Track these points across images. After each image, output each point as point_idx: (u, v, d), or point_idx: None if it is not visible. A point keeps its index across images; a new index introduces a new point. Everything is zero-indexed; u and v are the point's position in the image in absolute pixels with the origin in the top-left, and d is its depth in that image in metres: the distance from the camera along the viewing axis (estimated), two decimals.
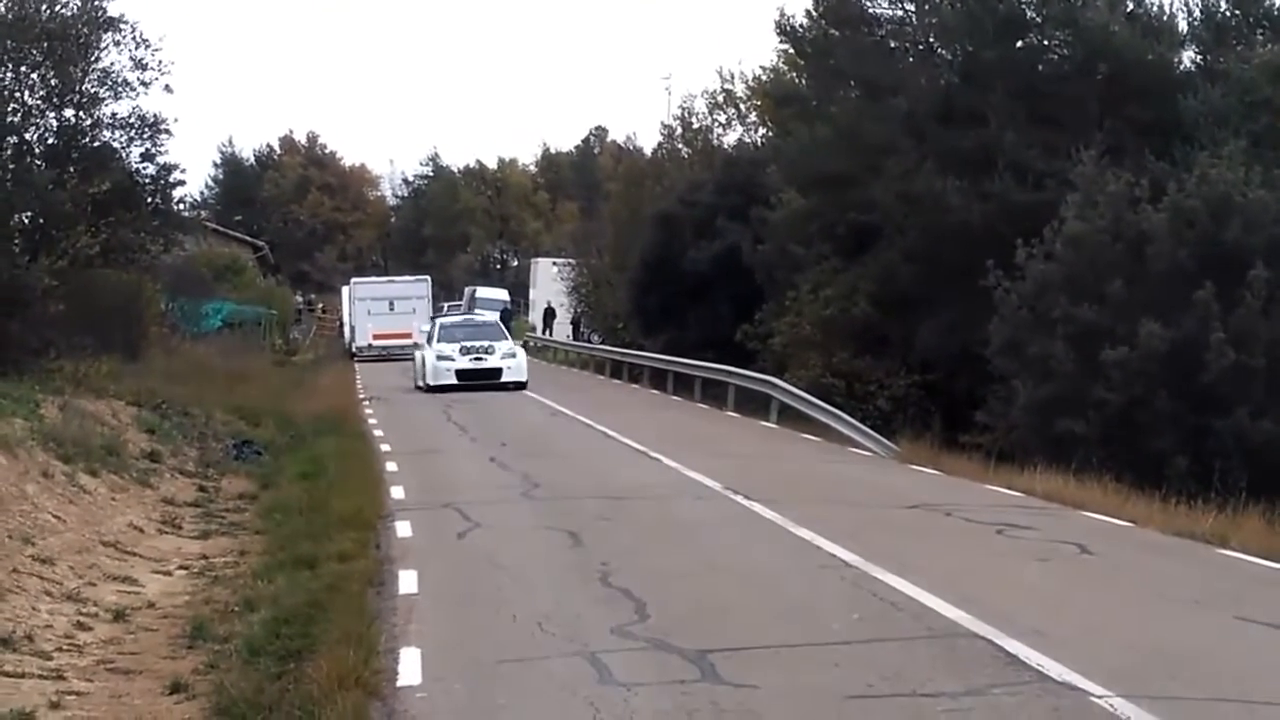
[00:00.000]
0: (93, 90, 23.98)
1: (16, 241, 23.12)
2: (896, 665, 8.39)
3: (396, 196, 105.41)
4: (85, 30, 23.58)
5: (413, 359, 36.19)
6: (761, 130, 46.11)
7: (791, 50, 36.01)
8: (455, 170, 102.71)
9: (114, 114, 24.31)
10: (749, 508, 14.78)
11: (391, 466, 18.70)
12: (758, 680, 8.07)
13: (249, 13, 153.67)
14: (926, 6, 29.40)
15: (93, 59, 23.78)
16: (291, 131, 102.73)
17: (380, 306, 49.80)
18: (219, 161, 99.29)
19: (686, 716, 7.44)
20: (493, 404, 28.42)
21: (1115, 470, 18.12)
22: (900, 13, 29.99)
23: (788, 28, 32.44)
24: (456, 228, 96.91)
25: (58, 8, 23.61)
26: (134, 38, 23.78)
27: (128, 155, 24.69)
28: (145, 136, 24.47)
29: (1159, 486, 17.37)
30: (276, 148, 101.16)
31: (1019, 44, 28.10)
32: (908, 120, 27.79)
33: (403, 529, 13.66)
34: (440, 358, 32.41)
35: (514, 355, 33.16)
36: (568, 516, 14.13)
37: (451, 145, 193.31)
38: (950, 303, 25.78)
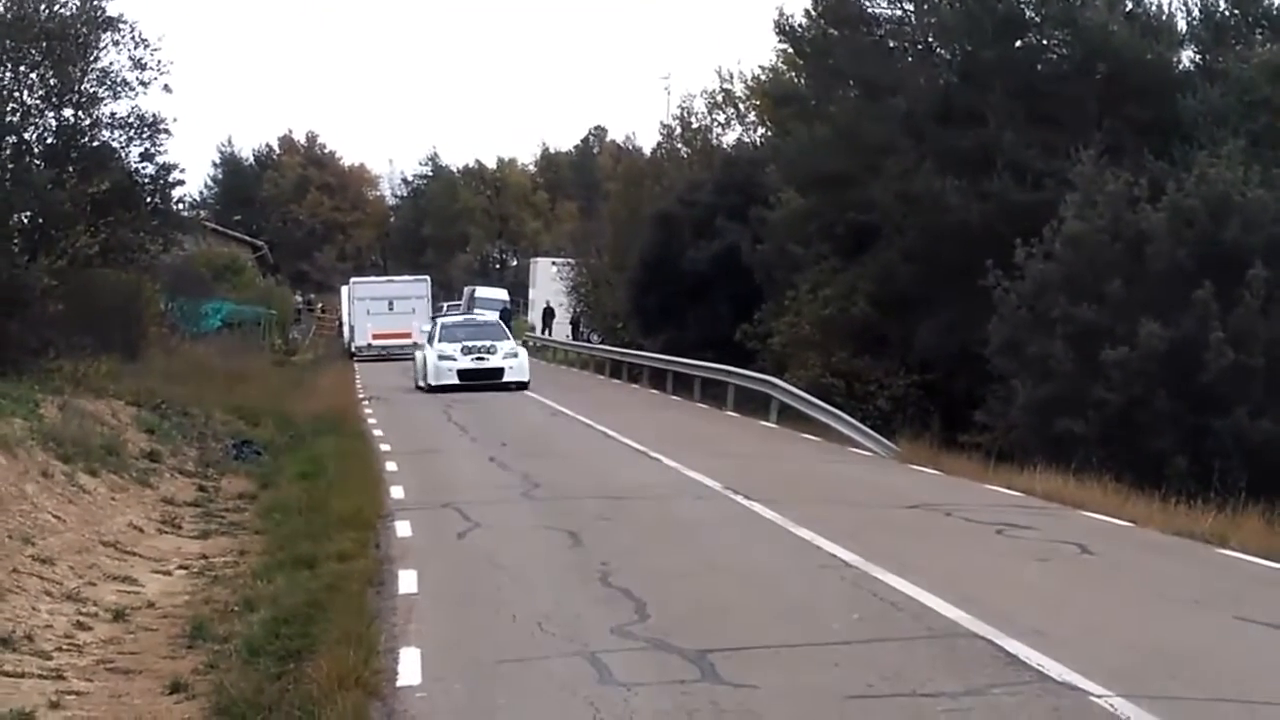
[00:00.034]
0: (92, 90, 23.99)
1: (16, 241, 23.12)
2: (896, 665, 8.39)
3: (396, 196, 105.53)
4: (84, 30, 23.58)
5: (413, 359, 36.14)
6: (760, 130, 46.15)
7: (790, 50, 36.04)
8: (454, 170, 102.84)
9: (113, 114, 24.35)
10: (749, 507, 14.78)
11: (391, 466, 18.70)
12: (758, 680, 8.07)
13: (248, 13, 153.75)
14: (925, 6, 29.41)
15: (92, 59, 23.79)
16: (291, 131, 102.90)
17: (379, 306, 49.80)
18: (218, 161, 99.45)
19: (686, 716, 7.44)
20: (492, 404, 28.41)
21: (1115, 470, 18.13)
22: (899, 12, 30.03)
23: (787, 27, 32.49)
24: (456, 227, 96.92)
25: (57, 7, 23.61)
26: (133, 37, 23.81)
27: (127, 155, 24.71)
28: (144, 136, 24.48)
29: (1159, 486, 17.39)
30: (276, 147, 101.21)
31: (1018, 43, 28.12)
32: (907, 120, 27.80)
33: (402, 529, 13.66)
34: (442, 357, 32.27)
35: (516, 355, 32.99)
36: (568, 516, 14.13)
37: (451, 145, 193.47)
38: (949, 302, 25.78)
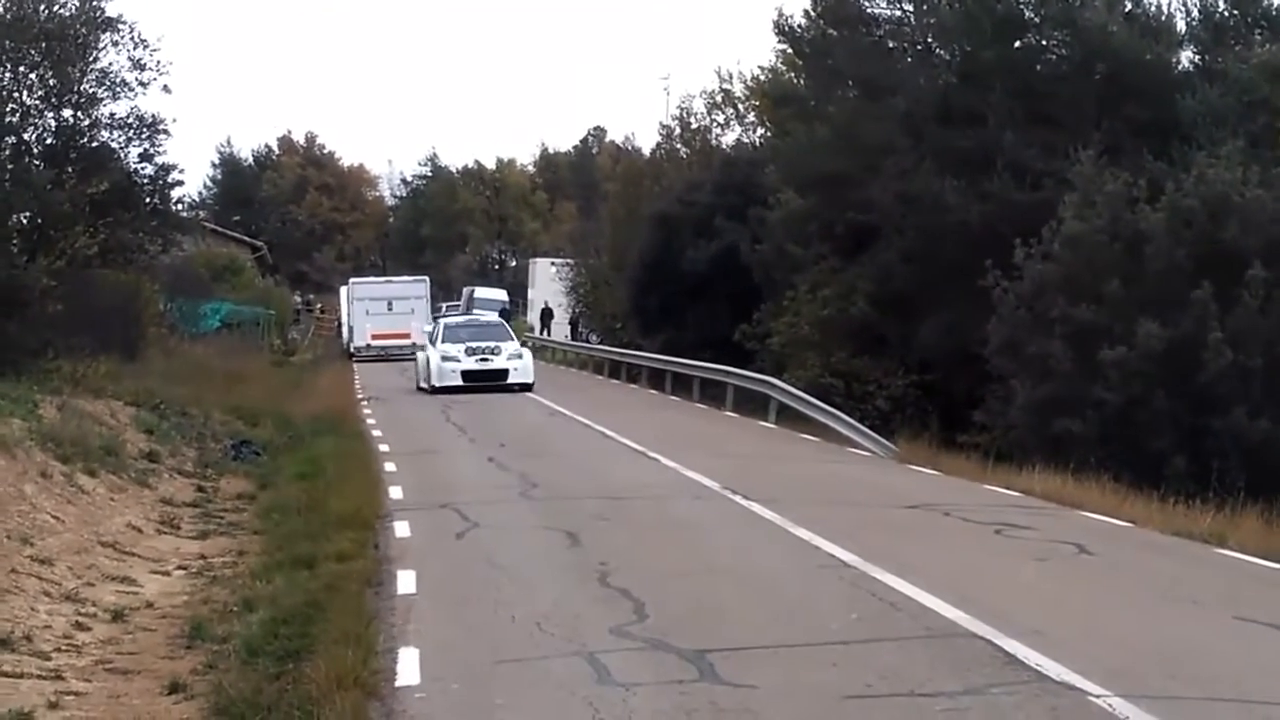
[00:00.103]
0: (91, 90, 23.98)
1: (15, 242, 23.12)
2: (895, 665, 8.40)
3: (395, 197, 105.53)
4: (83, 30, 23.57)
5: (414, 359, 36.04)
6: (760, 130, 46.15)
7: (790, 50, 36.06)
8: (454, 170, 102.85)
9: (112, 114, 24.33)
10: (748, 508, 14.79)
11: (390, 467, 18.70)
12: (756, 680, 8.07)
13: (247, 13, 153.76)
14: (925, 6, 29.44)
15: (91, 59, 23.77)
16: (290, 132, 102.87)
17: (379, 307, 49.77)
18: (217, 162, 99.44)
19: (685, 716, 7.45)
20: (491, 404, 28.40)
21: (1113, 470, 18.14)
22: (898, 13, 30.06)
23: (786, 28, 32.53)
24: (455, 228, 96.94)
25: (56, 8, 23.60)
26: (132, 38, 23.80)
27: (126, 155, 24.70)
28: (143, 137, 24.47)
29: (1157, 486, 17.40)
30: (275, 148, 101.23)
31: (1017, 44, 28.14)
32: (906, 120, 27.82)
33: (401, 529, 13.66)
34: (445, 358, 31.91)
35: (520, 356, 32.62)
36: (566, 516, 14.13)
37: (450, 145, 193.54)
38: (949, 302, 25.78)
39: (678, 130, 49.94)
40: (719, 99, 48.82)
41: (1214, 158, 21.58)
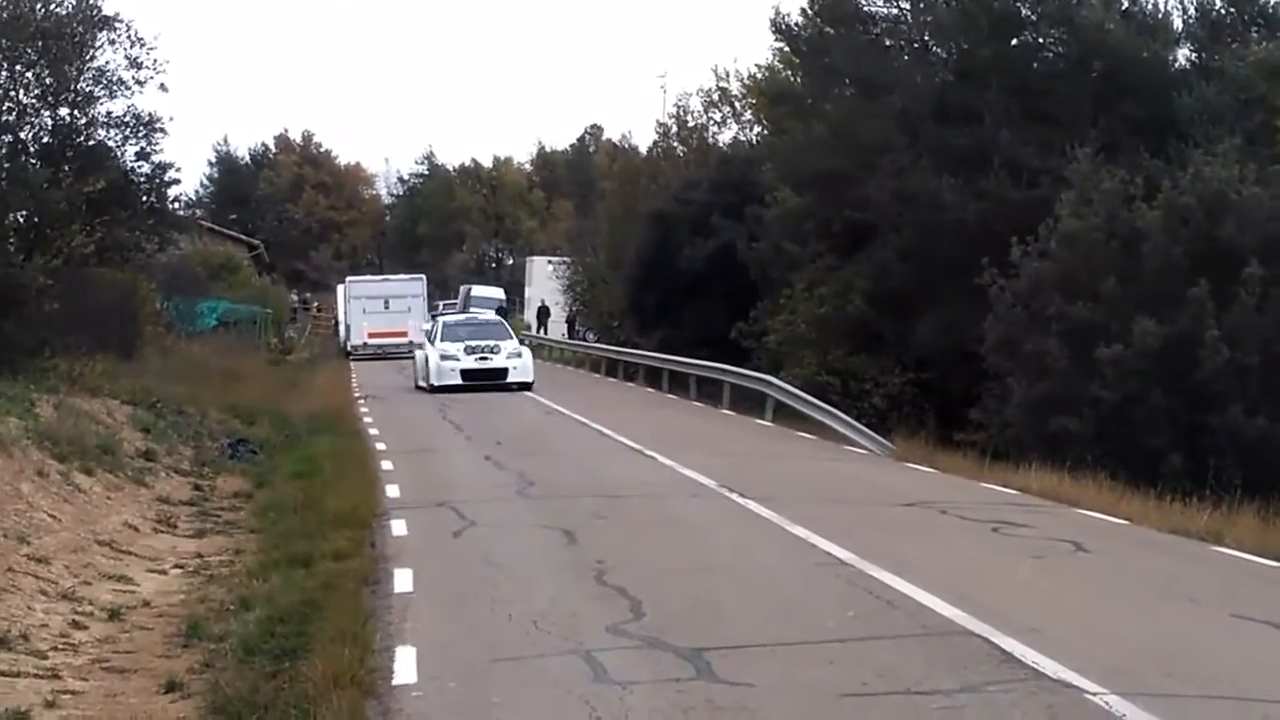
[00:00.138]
0: (87, 89, 23.93)
1: (11, 240, 23.09)
2: (891, 663, 8.40)
3: (392, 195, 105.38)
4: (80, 29, 23.53)
5: (410, 358, 35.94)
6: (756, 128, 46.18)
7: (787, 48, 36.01)
8: (450, 169, 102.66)
9: (109, 113, 24.26)
10: (744, 506, 14.79)
11: (387, 465, 18.70)
12: (753, 678, 8.07)
13: (244, 11, 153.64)
14: (922, 4, 29.45)
15: (88, 58, 23.72)
16: (286, 130, 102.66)
17: (375, 305, 49.79)
18: (214, 160, 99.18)
19: (682, 714, 7.44)
20: (488, 403, 28.39)
21: (1110, 468, 18.16)
22: (895, 11, 30.07)
23: (783, 26, 32.50)
24: (451, 226, 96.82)
25: (52, 6, 23.55)
26: (129, 36, 23.74)
27: (123, 154, 24.63)
28: (140, 135, 24.40)
29: (1154, 484, 17.40)
30: (271, 146, 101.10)
31: (1014, 42, 28.14)
32: (903, 118, 27.83)
33: (398, 527, 13.65)
34: (445, 357, 31.72)
35: (520, 355, 32.42)
36: (563, 515, 14.13)
37: (447, 144, 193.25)
38: (945, 300, 25.79)
39: (675, 128, 49.98)
40: (716, 97, 48.90)
41: (1211, 155, 21.59)
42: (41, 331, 22.32)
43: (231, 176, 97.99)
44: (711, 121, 49.34)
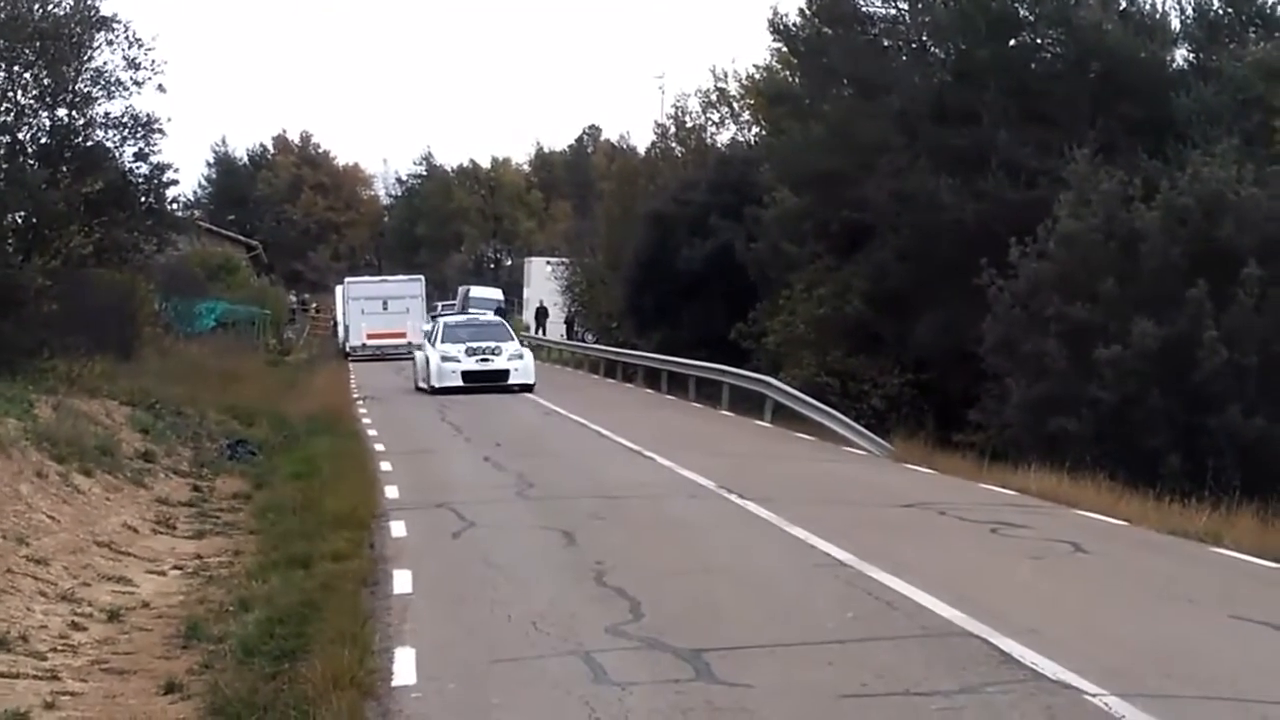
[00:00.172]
0: (86, 90, 23.90)
1: (10, 241, 23.07)
2: (891, 664, 8.40)
3: (390, 196, 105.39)
4: (78, 30, 23.51)
5: (409, 359, 35.83)
6: (755, 129, 46.19)
7: (785, 49, 36.05)
8: (449, 169, 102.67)
9: (107, 113, 24.23)
10: (743, 507, 14.79)
11: (386, 466, 18.69)
12: (752, 679, 8.07)
13: (242, 12, 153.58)
14: (920, 5, 29.47)
15: (86, 58, 23.70)
16: (285, 131, 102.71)
17: (374, 306, 49.76)
18: (212, 161, 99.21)
19: (681, 715, 7.45)
20: (487, 404, 28.37)
21: (1109, 468, 18.16)
22: (893, 11, 30.10)
23: (781, 26, 32.52)
24: (450, 227, 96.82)
25: (50, 7, 23.53)
26: (127, 37, 23.70)
27: (121, 155, 24.60)
28: (138, 136, 24.37)
29: (1153, 485, 17.41)
30: (270, 147, 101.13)
31: (1012, 42, 28.16)
32: (901, 118, 27.83)
33: (397, 528, 13.65)
34: (445, 359, 31.41)
35: (521, 356, 32.11)
36: (562, 516, 14.13)
37: (445, 144, 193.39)
38: (944, 301, 25.81)
39: (673, 129, 50.01)
40: (714, 97, 48.91)
41: (1209, 156, 21.60)
42: (40, 332, 22.31)
43: (230, 177, 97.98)
44: (710, 122, 49.43)
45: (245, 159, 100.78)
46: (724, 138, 48.76)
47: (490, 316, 38.92)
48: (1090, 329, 20.90)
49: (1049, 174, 24.18)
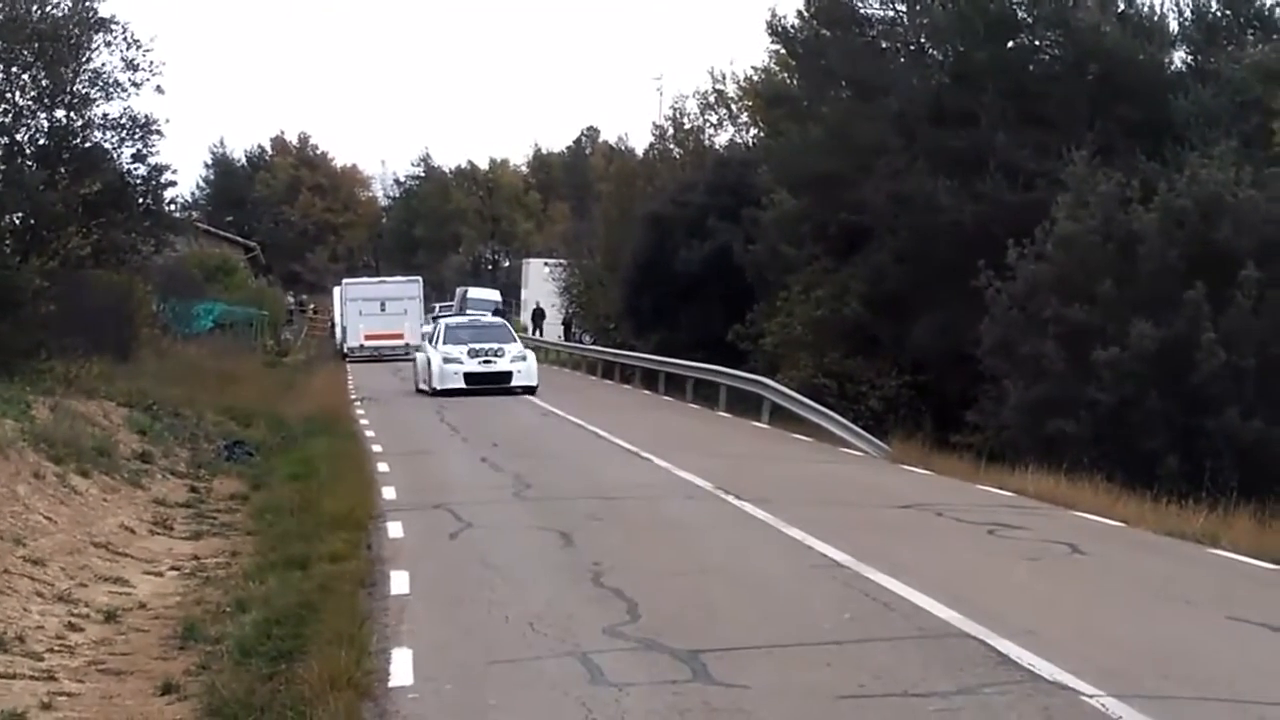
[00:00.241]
0: (84, 91, 23.90)
1: (8, 242, 23.08)
2: (888, 665, 8.40)
3: (388, 197, 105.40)
4: (76, 31, 23.51)
5: (407, 360, 35.73)
6: (753, 130, 46.18)
7: (783, 50, 36.05)
8: (447, 171, 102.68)
9: (105, 115, 24.23)
10: (740, 508, 14.79)
11: (383, 467, 18.68)
12: (749, 680, 8.07)
13: (240, 13, 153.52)
14: (918, 7, 29.45)
15: (84, 60, 23.71)
16: (283, 132, 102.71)
17: (372, 307, 49.74)
18: (210, 162, 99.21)
19: (678, 716, 7.45)
20: (485, 405, 28.35)
21: (1106, 470, 18.17)
22: (891, 13, 30.06)
23: (779, 28, 32.51)
24: (448, 228, 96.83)
25: (49, 8, 23.54)
26: (125, 38, 23.70)
27: (119, 156, 24.60)
28: (136, 137, 24.37)
29: (1150, 486, 17.41)
30: (267, 148, 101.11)
31: (1010, 44, 28.15)
32: (899, 120, 27.83)
33: (394, 529, 13.64)
34: (447, 360, 31.03)
35: (524, 358, 31.80)
36: (559, 517, 14.13)
37: (443, 146, 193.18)
38: (942, 303, 25.81)
39: (671, 130, 50.01)
40: (712, 99, 48.90)
41: (1207, 158, 21.60)
42: (38, 333, 22.31)
43: (228, 178, 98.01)
44: (708, 124, 49.41)
45: (243, 160, 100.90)
46: (722, 139, 48.83)
47: (492, 318, 38.77)
48: (1088, 331, 20.91)
49: (1047, 176, 24.18)
